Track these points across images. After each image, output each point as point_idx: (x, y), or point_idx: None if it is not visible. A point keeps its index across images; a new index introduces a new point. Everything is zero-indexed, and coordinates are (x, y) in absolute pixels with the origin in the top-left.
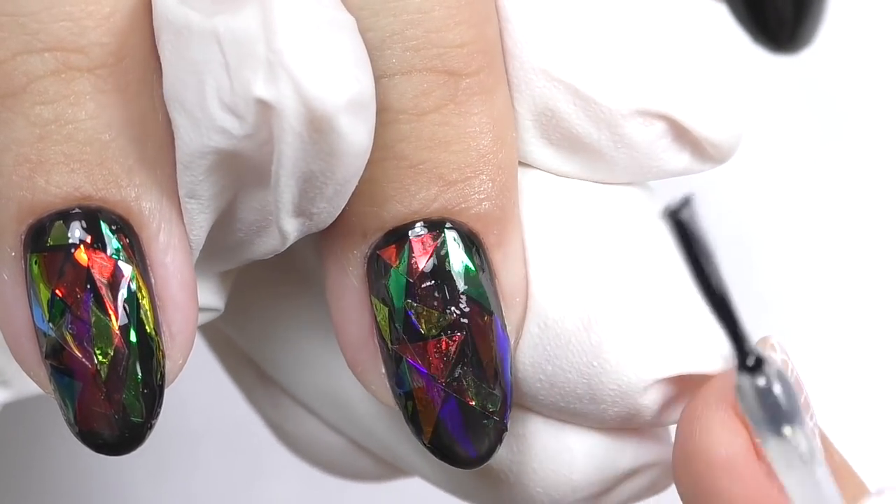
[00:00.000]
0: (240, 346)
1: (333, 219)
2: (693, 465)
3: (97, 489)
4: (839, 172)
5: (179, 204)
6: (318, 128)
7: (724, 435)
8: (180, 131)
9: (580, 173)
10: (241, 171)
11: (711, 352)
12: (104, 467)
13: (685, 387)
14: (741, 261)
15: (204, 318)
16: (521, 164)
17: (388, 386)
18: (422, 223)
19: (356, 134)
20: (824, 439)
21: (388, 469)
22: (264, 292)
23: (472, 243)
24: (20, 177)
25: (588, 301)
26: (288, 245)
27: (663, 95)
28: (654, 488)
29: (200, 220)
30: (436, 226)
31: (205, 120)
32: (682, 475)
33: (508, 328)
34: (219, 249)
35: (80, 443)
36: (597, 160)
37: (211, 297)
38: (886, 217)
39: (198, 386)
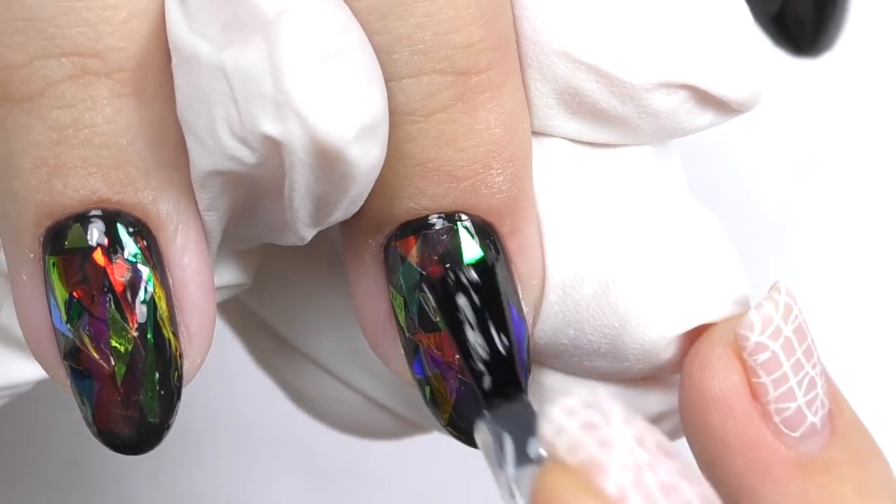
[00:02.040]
0: (256, 313)
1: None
2: (691, 400)
3: (97, 489)
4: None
5: (196, 206)
6: (329, 160)
7: (720, 370)
8: (192, 154)
9: (607, 139)
10: (256, 188)
11: (725, 298)
12: (104, 466)
13: (702, 334)
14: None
15: (231, 293)
16: (533, 133)
17: (406, 365)
18: (434, 216)
19: (367, 157)
20: (835, 395)
21: (408, 426)
22: (283, 255)
23: (487, 233)
24: (38, 180)
25: (604, 264)
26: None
27: (682, 65)
28: (676, 433)
29: (219, 228)
30: (448, 218)
31: (216, 147)
32: (683, 412)
33: (526, 309)
34: (240, 237)
35: (78, 442)
36: (623, 128)
37: (237, 273)
38: None
39: (198, 386)
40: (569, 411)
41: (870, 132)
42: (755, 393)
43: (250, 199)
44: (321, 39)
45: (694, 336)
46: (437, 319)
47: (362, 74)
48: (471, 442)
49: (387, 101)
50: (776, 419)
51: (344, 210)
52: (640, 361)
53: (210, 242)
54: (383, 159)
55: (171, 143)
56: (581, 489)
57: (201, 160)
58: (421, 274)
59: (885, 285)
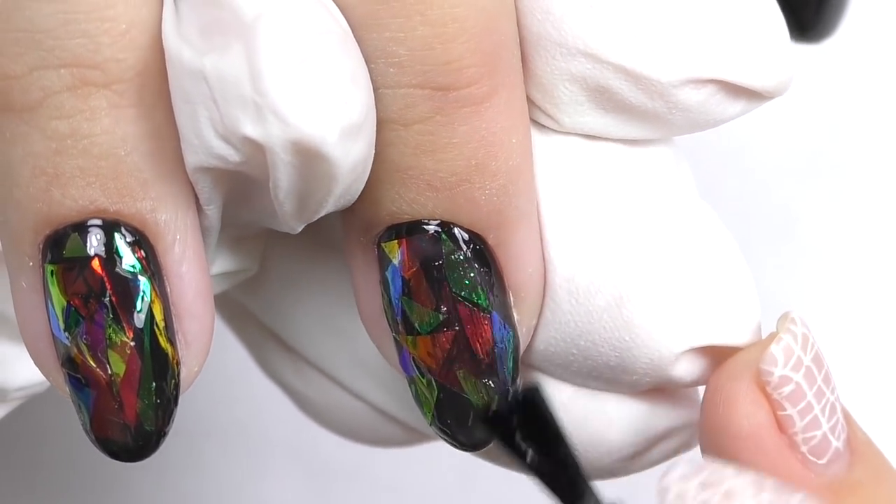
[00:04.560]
0: (262, 321)
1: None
2: (717, 438)
3: (97, 489)
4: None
5: (195, 214)
6: (310, 159)
7: (747, 407)
8: (183, 152)
9: (639, 134)
10: (245, 180)
11: (739, 323)
12: (104, 467)
13: (715, 355)
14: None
15: (238, 278)
16: (549, 133)
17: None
18: (418, 223)
19: (350, 156)
20: (847, 416)
21: (414, 435)
22: (288, 265)
23: (472, 242)
24: (37, 189)
25: (618, 277)
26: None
27: (709, 59)
28: (687, 446)
29: (219, 219)
30: (436, 225)
31: (201, 146)
32: (708, 447)
33: (517, 319)
34: (238, 222)
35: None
36: (654, 122)
37: (242, 258)
38: None
39: (198, 386)
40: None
41: (873, 132)
42: (782, 426)
43: (242, 190)
44: (299, 41)
45: (707, 357)
46: (417, 324)
47: (344, 74)
48: (455, 443)
49: (372, 99)
50: (803, 449)
51: (333, 205)
52: (647, 375)
53: (211, 234)
54: (371, 156)
55: (169, 153)
56: None
57: (189, 157)
58: (403, 279)
59: (886, 285)
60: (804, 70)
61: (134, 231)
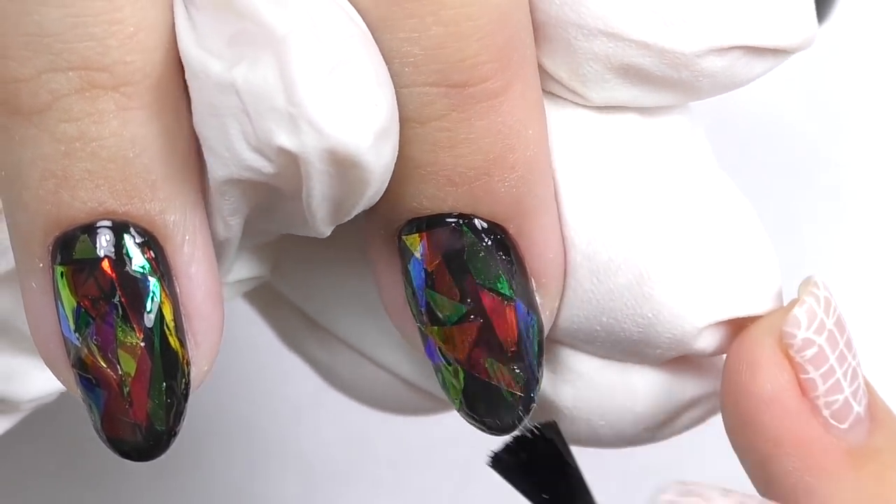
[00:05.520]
0: (285, 296)
1: None
2: (740, 401)
3: (97, 489)
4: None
5: (203, 215)
6: (345, 167)
7: (770, 370)
8: (209, 164)
9: (668, 102)
10: (275, 191)
11: (761, 293)
12: (104, 466)
13: (737, 324)
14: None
15: (252, 285)
16: (562, 108)
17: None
18: (439, 216)
19: (382, 159)
20: (867, 383)
21: (439, 403)
22: (315, 243)
23: (492, 232)
24: (46, 191)
25: (638, 254)
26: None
27: (730, 27)
28: (713, 412)
29: (240, 230)
30: (457, 217)
31: (232, 158)
32: (730, 410)
33: (540, 304)
34: (259, 231)
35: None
36: (682, 90)
37: (257, 265)
38: None
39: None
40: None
41: (873, 131)
42: (804, 389)
43: (269, 200)
44: (328, 50)
45: (730, 328)
46: (442, 315)
47: (370, 77)
48: (484, 428)
49: (395, 98)
50: (825, 413)
51: (363, 206)
52: (671, 349)
53: (231, 245)
54: (395, 156)
55: (178, 154)
56: None
57: (218, 170)
58: (426, 271)
59: (886, 285)
60: (804, 70)
61: (143, 232)
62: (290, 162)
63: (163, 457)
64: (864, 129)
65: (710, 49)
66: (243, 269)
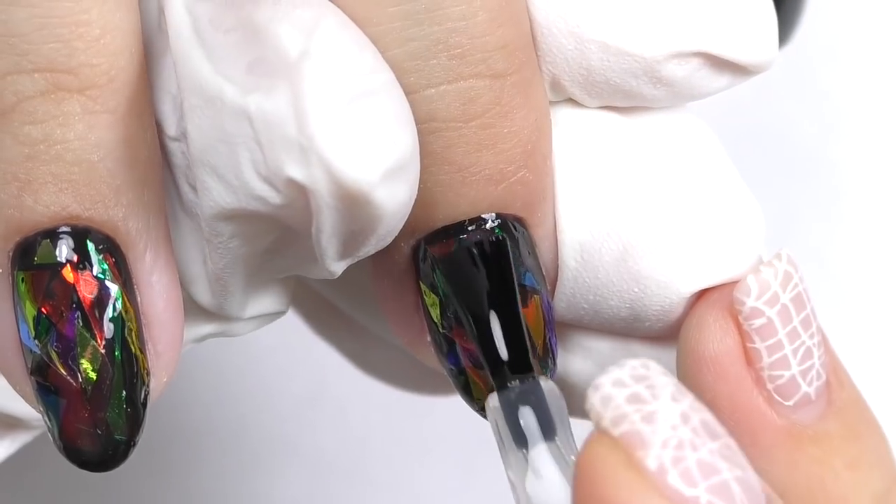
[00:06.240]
0: (319, 292)
1: None
2: (685, 360)
3: (97, 489)
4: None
5: (166, 224)
6: (355, 203)
7: (715, 332)
8: (212, 192)
9: (624, 107)
10: (283, 225)
11: (742, 257)
12: None
13: (725, 287)
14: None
15: (268, 321)
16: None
17: (434, 354)
18: (471, 221)
19: (395, 198)
20: (837, 370)
21: None
22: None
23: (519, 227)
24: (8, 195)
25: (622, 230)
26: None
27: (693, 33)
28: None
29: (243, 259)
30: (484, 221)
31: (241, 187)
32: (679, 370)
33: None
34: (272, 268)
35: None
36: (640, 99)
37: (273, 301)
38: None
39: (198, 386)
40: (618, 383)
41: (871, 132)
42: (749, 358)
43: (278, 235)
44: (346, 82)
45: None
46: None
47: (390, 115)
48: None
49: (417, 139)
50: (769, 386)
51: (374, 245)
52: (660, 321)
53: (236, 272)
54: (414, 197)
55: (141, 160)
56: (621, 462)
57: (225, 199)
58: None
59: (886, 285)
60: (804, 70)
61: (105, 239)
62: (300, 194)
63: (163, 457)
64: (863, 130)
65: (671, 54)
66: (262, 305)
